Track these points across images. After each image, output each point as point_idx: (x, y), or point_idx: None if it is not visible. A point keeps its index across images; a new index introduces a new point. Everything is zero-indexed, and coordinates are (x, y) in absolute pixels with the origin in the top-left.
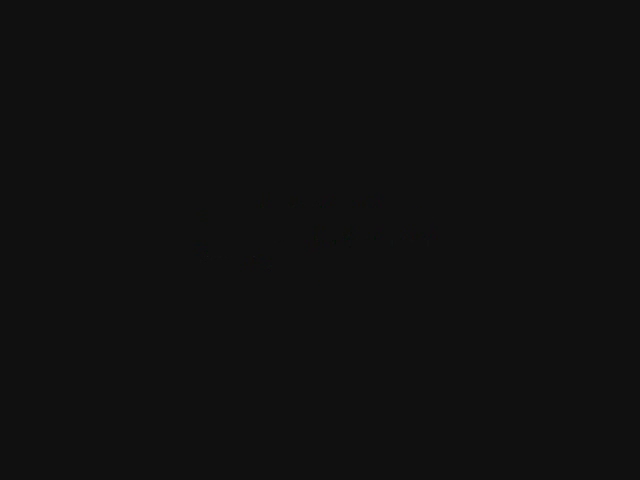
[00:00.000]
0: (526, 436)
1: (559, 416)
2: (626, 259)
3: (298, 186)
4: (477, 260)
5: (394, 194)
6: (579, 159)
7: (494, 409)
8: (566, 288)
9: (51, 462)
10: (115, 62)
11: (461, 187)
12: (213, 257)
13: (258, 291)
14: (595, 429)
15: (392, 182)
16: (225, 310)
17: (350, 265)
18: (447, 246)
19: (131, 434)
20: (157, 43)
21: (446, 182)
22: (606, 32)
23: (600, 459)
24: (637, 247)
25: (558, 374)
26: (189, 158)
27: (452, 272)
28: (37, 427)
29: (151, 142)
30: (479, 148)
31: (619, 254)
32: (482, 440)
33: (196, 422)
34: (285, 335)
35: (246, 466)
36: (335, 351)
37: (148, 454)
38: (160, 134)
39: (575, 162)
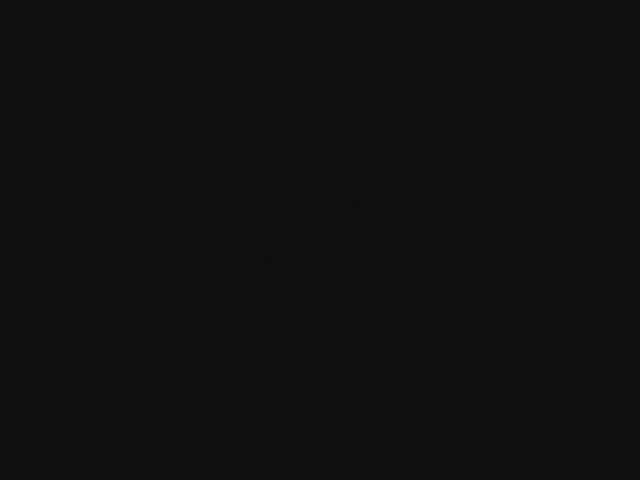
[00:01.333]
0: (526, 436)
1: (559, 416)
2: (626, 259)
3: (298, 186)
4: (477, 260)
5: (394, 194)
6: (579, 159)
7: (494, 409)
8: (566, 288)
9: (51, 462)
10: (115, 62)
11: (461, 187)
12: (213, 257)
13: (258, 291)
14: (595, 429)
15: (392, 182)
16: (225, 310)
17: (350, 265)
18: (447, 246)
19: (131, 434)
20: (157, 43)
21: (446, 182)
22: (606, 32)
23: (600, 459)
24: (637, 247)
25: (558, 374)
26: (189, 158)
27: (452, 272)
28: (37, 427)
29: (151, 142)
30: (479, 148)
31: (619, 254)
32: (482, 440)
33: (196, 422)
34: (285, 335)
35: (246, 466)
36: (335, 351)
37: (148, 454)
38: (160, 135)
39: (575, 162)
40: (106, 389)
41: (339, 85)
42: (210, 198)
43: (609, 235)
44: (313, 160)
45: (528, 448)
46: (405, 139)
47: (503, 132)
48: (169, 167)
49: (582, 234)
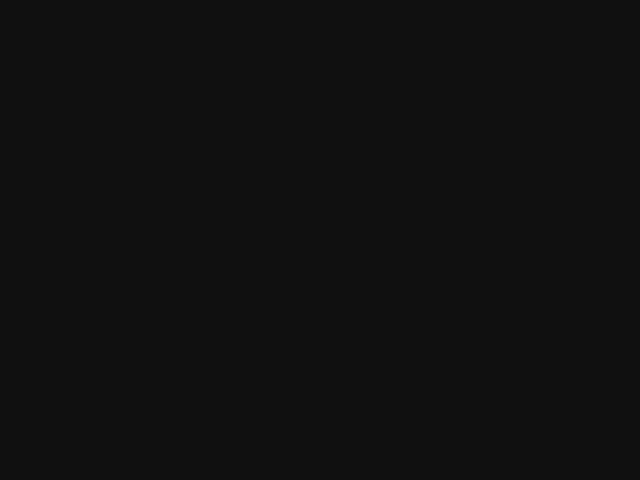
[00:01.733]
0: (526, 436)
1: (559, 416)
2: (626, 259)
3: (298, 186)
4: (477, 260)
5: (394, 194)
6: (579, 159)
7: (494, 409)
8: (566, 288)
9: (51, 462)
10: (115, 62)
11: (461, 187)
12: (213, 257)
13: (258, 291)
14: (595, 429)
15: (392, 182)
16: (225, 310)
17: (350, 265)
18: (447, 246)
19: (131, 434)
20: (157, 43)
21: (446, 182)
22: (606, 32)
23: (600, 459)
24: (637, 247)
25: (558, 374)
26: (189, 158)
27: (452, 272)
28: (37, 427)
29: (151, 142)
30: (479, 148)
31: (619, 254)
32: (482, 440)
33: (196, 422)
34: (285, 335)
35: (246, 466)
36: (335, 351)
37: (148, 454)
38: (160, 134)
39: (575, 162)
40: (106, 389)
41: (339, 86)
42: (210, 198)
43: (609, 235)
44: (313, 160)
45: (528, 448)
46: (404, 139)
47: (502, 133)
48: (169, 167)
49: (582, 234)
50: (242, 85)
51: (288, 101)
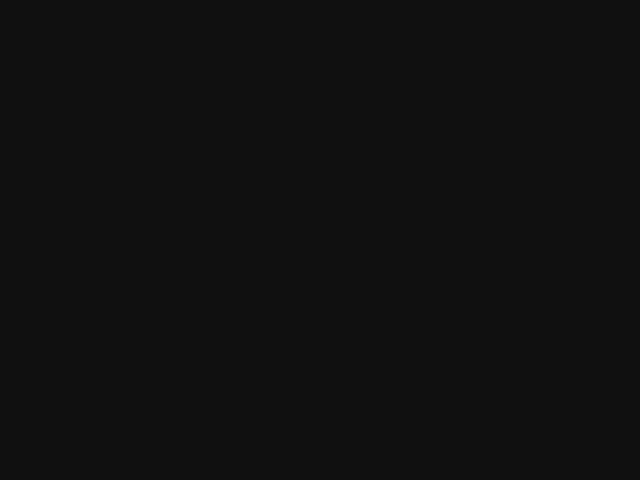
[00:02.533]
0: (526, 436)
1: (559, 416)
2: (626, 259)
3: (298, 186)
4: (477, 260)
5: (394, 194)
6: (579, 159)
7: (494, 410)
8: (566, 288)
9: (51, 462)
10: (115, 62)
11: (461, 187)
12: (213, 257)
13: (258, 291)
14: (595, 429)
15: (392, 182)
16: (225, 310)
17: (350, 265)
18: (447, 245)
19: (131, 434)
20: (157, 43)
21: (446, 182)
22: (606, 32)
23: (600, 459)
24: (637, 247)
25: (558, 374)
26: (189, 158)
27: (452, 272)
28: (37, 427)
29: (151, 142)
30: (479, 148)
31: (619, 254)
32: (482, 440)
33: (196, 423)
34: (285, 336)
35: (246, 466)
36: (335, 352)
37: (147, 454)
38: (160, 134)
39: (575, 162)
40: (106, 389)
41: (339, 86)
42: (210, 198)
43: (609, 235)
44: (312, 160)
45: (528, 448)
46: (404, 139)
47: (502, 133)
48: (169, 167)
49: (582, 235)
50: (242, 85)
51: (288, 101)
